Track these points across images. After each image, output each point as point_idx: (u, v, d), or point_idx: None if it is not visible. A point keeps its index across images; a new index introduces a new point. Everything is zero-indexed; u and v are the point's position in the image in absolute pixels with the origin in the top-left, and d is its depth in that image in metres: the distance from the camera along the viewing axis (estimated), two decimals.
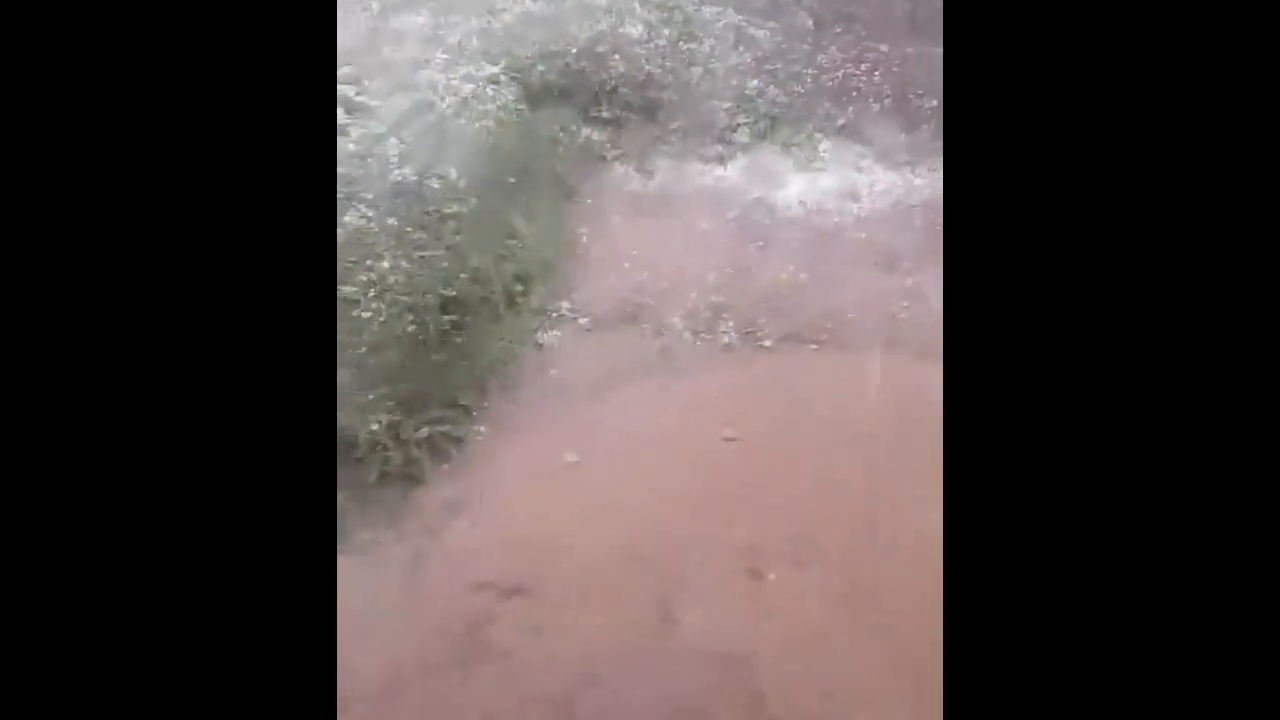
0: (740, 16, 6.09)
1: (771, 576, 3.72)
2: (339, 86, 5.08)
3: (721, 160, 5.52)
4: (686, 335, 4.72)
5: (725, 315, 4.78)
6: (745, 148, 5.56)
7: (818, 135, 5.55)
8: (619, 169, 5.46)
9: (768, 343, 4.69)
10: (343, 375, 3.85)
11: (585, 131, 5.48)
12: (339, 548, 3.57)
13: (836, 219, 5.22)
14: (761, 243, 5.13)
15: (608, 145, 5.48)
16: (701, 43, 5.87)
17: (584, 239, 5.12)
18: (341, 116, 4.92)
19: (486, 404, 4.29)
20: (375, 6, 5.72)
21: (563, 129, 5.44)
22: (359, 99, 5.04)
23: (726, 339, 4.70)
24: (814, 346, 4.63)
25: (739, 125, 5.59)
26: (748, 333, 4.72)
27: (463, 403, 4.22)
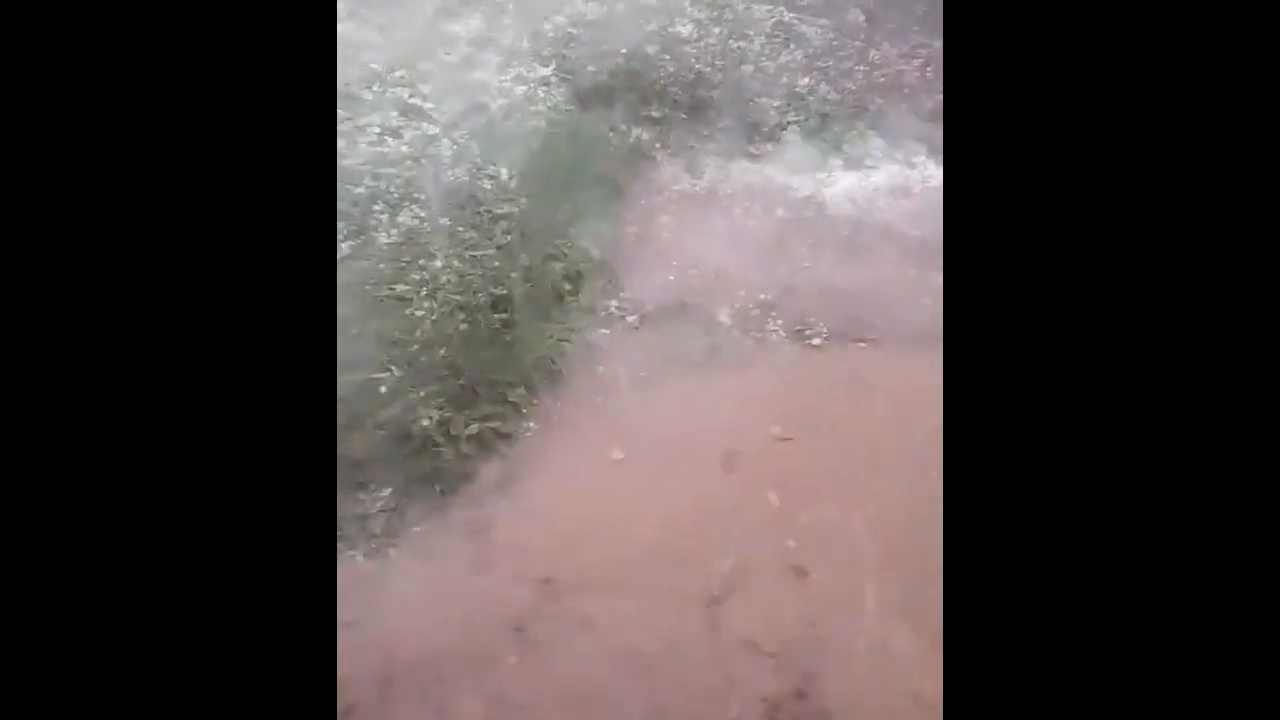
0: (791, 14, 6.07)
1: (817, 575, 3.71)
2: (394, 90, 5.19)
3: (771, 158, 5.50)
4: (735, 333, 4.72)
5: (774, 313, 4.77)
6: (795, 145, 5.53)
7: (869, 132, 5.51)
8: (668, 167, 5.48)
9: (817, 340, 4.67)
10: (395, 372, 3.93)
11: (635, 131, 5.51)
12: (391, 543, 3.65)
13: (888, 216, 5.17)
14: (811, 240, 5.11)
15: (657, 144, 5.51)
16: (752, 41, 5.86)
17: (633, 237, 5.15)
18: (395, 119, 5.03)
19: (535, 400, 4.34)
20: (429, 11, 5.82)
21: (612, 128, 5.48)
22: (413, 101, 5.14)
23: (775, 336, 4.69)
24: (864, 344, 4.60)
25: (789, 123, 5.57)
26: (797, 330, 4.71)
27: (512, 399, 4.28)
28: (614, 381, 4.49)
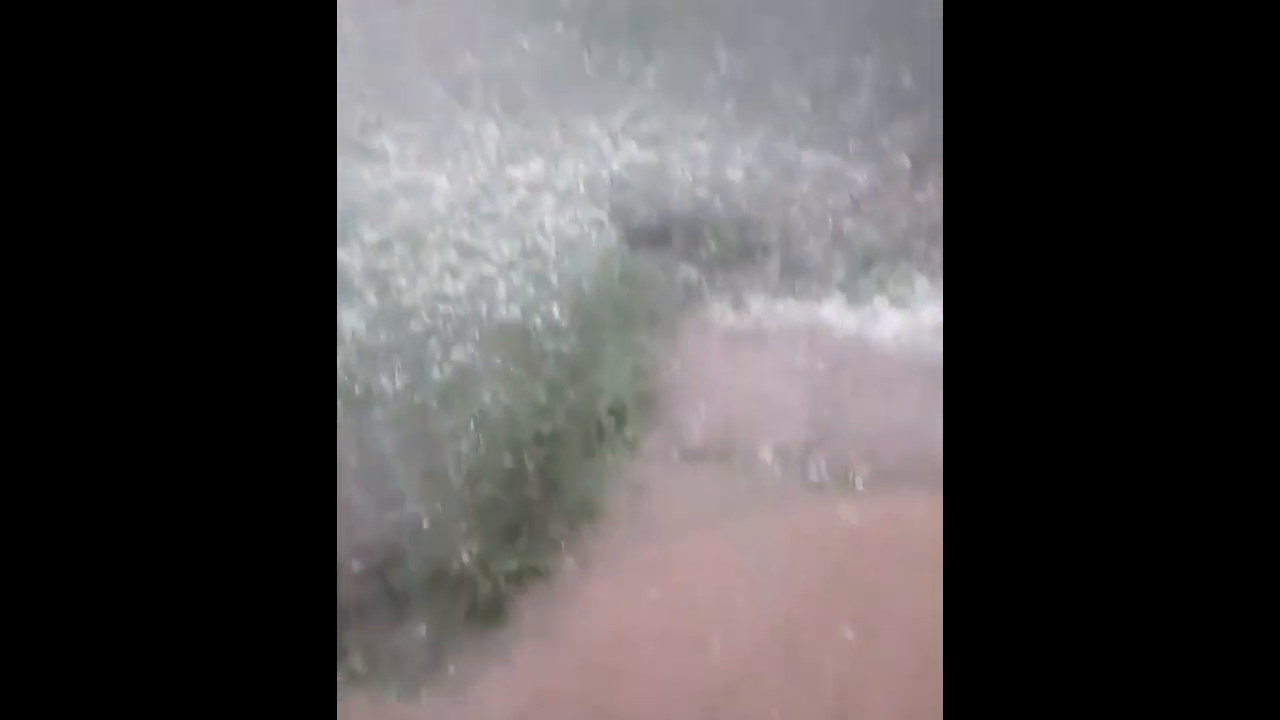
0: (838, 158, 6.29)
1: None
2: (456, 231, 5.49)
3: (817, 297, 5.62)
4: (777, 472, 4.73)
5: (817, 453, 4.78)
6: (841, 285, 5.65)
7: (915, 273, 5.60)
8: (716, 306, 5.63)
9: (860, 484, 4.65)
10: (438, 507, 4.03)
11: (684, 270, 5.70)
12: (424, 680, 3.67)
13: (932, 358, 5.19)
14: (856, 379, 5.14)
15: (705, 283, 5.67)
16: (799, 184, 6.07)
17: (679, 373, 5.25)
18: (455, 258, 5.30)
19: (575, 538, 4.38)
20: (493, 156, 6.19)
21: (663, 268, 5.67)
22: (471, 241, 5.42)
23: (818, 478, 4.68)
24: (908, 489, 4.56)
25: (835, 263, 5.70)
26: (840, 473, 4.70)
27: (552, 536, 4.33)
28: (654, 520, 4.52)
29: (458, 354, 4.72)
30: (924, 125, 6.19)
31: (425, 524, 3.89)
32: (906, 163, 6.20)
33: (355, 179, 5.81)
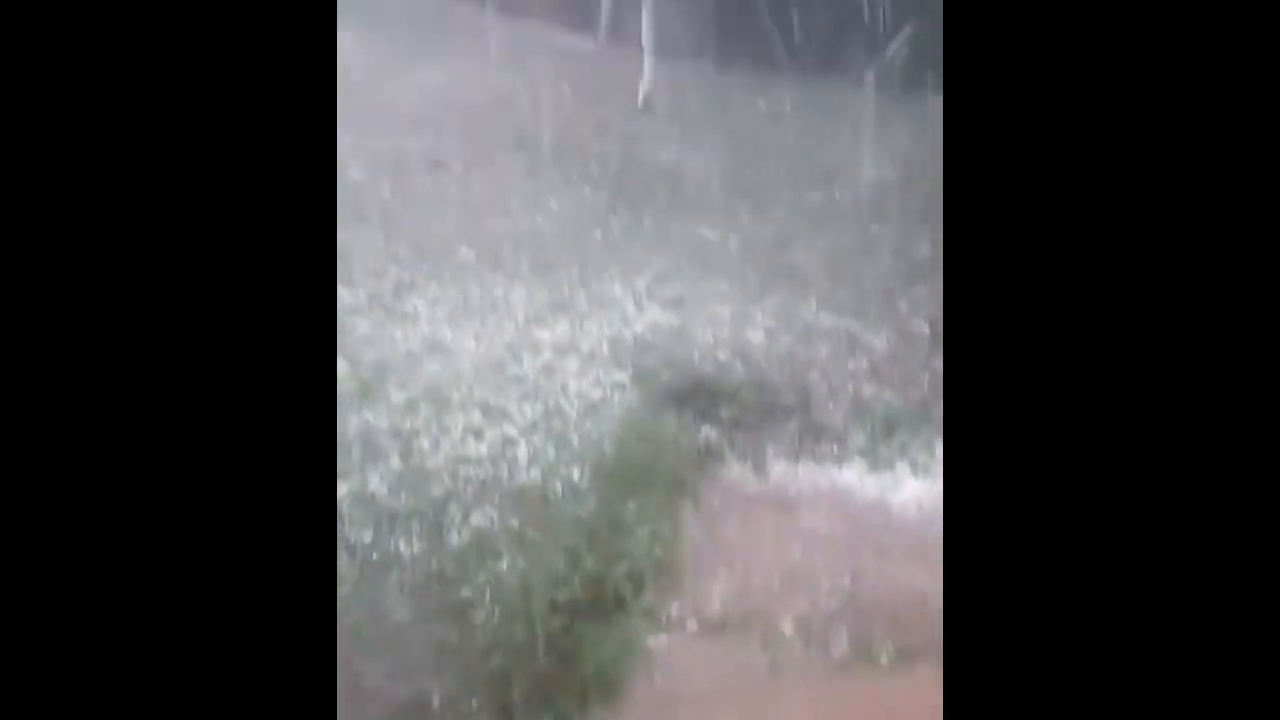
0: (858, 323, 6.41)
1: None
2: (480, 391, 5.60)
3: (837, 462, 5.61)
4: (797, 645, 4.61)
5: (839, 625, 4.67)
6: (861, 450, 5.65)
7: (935, 440, 5.59)
8: (736, 468, 5.63)
9: (884, 659, 4.51)
10: (450, 680, 3.96)
11: (704, 432, 5.74)
12: None
13: None
14: (878, 548, 5.07)
15: (725, 446, 5.70)
16: (819, 349, 6.18)
17: (698, 539, 5.21)
18: (479, 419, 5.39)
19: (589, 712, 4.26)
20: (521, 318, 6.37)
21: (683, 430, 5.72)
22: (496, 403, 5.52)
23: (839, 652, 4.56)
24: (931, 667, 4.41)
25: (854, 428, 5.73)
26: (862, 647, 4.57)
27: (564, 710, 4.21)
28: (671, 694, 4.39)
29: (477, 518, 4.74)
30: (942, 292, 6.33)
31: (435, 702, 3.82)
32: (925, 329, 6.31)
33: (387, 339, 6.00)
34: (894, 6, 10.01)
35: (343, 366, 5.72)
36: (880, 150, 8.98)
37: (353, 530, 4.60)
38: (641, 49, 10.42)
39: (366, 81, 10.76)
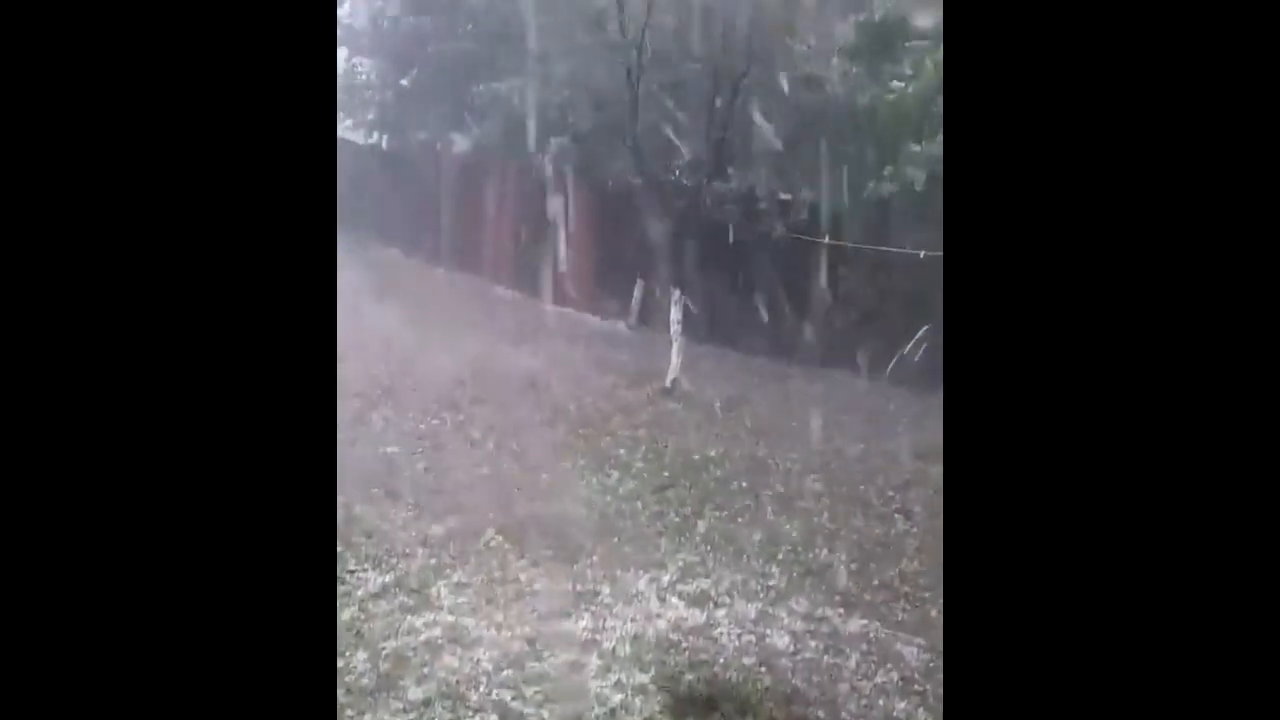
0: (886, 630, 6.28)
1: None
2: (498, 690, 5.43)
3: None
4: None
5: None
6: None
7: None
8: None
9: None
10: None
11: None
12: None
13: None
14: None
15: None
16: (848, 658, 6.01)
17: None
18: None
19: None
20: (544, 608, 6.30)
21: None
22: (514, 706, 5.34)
23: None
24: None
25: None
26: None
27: None
28: None
29: None
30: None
31: None
32: None
33: (408, 628, 5.92)
34: (914, 306, 10.65)
35: (361, 656, 5.61)
36: (901, 443, 9.21)
37: None
38: (670, 336, 11.04)
39: (410, 356, 11.38)
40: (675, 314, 11.05)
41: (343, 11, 18.85)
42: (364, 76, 18.60)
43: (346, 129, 19.74)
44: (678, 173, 11.50)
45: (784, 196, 12.28)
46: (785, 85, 11.10)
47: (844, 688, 5.82)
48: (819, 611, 6.46)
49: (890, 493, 8.35)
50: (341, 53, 19.00)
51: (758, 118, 11.38)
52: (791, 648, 6.07)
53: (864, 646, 6.14)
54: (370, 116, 18.69)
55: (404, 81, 17.73)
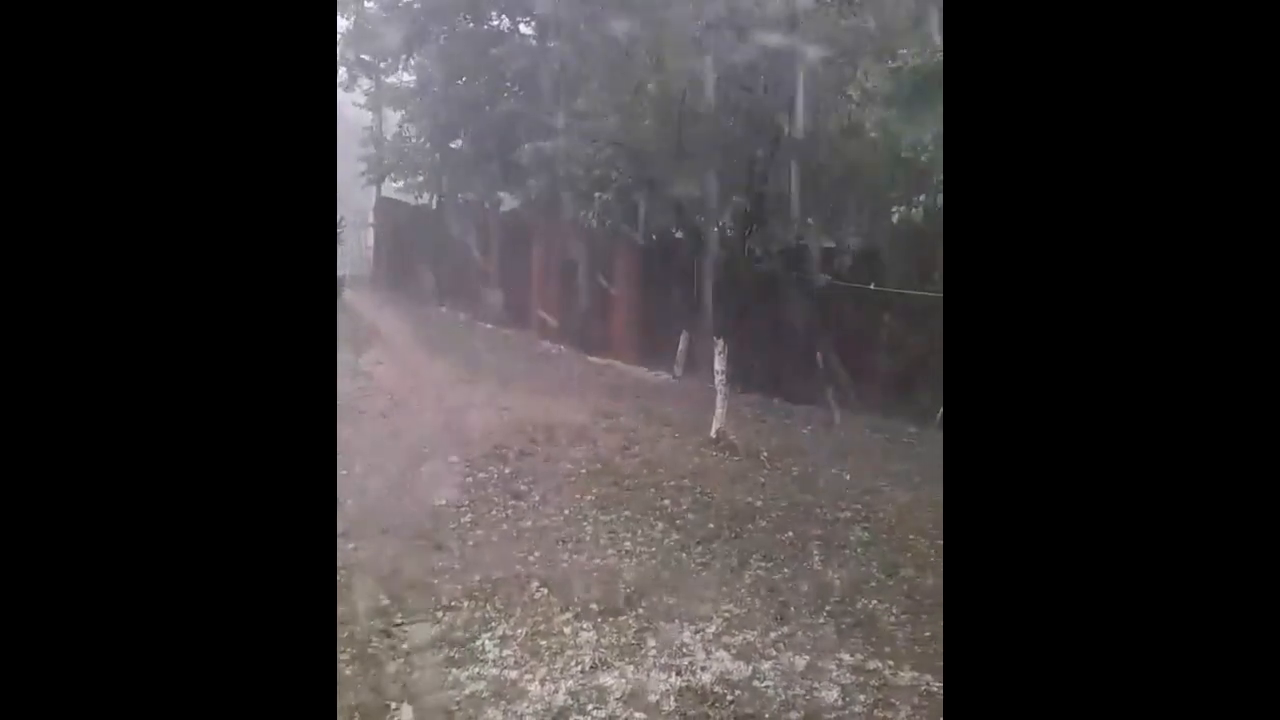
0: (939, 682, 6.11)
1: None
2: None
3: None
4: None
5: None
6: None
7: None
8: None
9: None
10: None
11: None
12: None
13: None
14: None
15: None
16: (898, 711, 5.86)
17: None
18: None
19: None
20: (588, 661, 6.26)
21: None
22: None
23: None
24: None
25: None
26: None
27: None
28: None
29: None
30: None
31: None
32: None
33: (452, 681, 5.93)
34: None
35: (407, 711, 5.63)
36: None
37: None
38: (714, 385, 11.03)
39: (458, 410, 11.54)
40: (719, 364, 11.06)
41: (392, 79, 19.57)
42: (414, 140, 19.19)
43: (397, 190, 20.36)
44: (720, 225, 11.60)
45: (827, 244, 12.30)
46: (826, 134, 11.19)
47: None
48: (869, 664, 6.32)
49: (941, 542, 8.17)
50: (392, 118, 19.68)
51: (798, 168, 11.47)
52: (840, 701, 5.93)
53: (915, 699, 5.98)
54: (420, 178, 19.23)
55: (452, 144, 18.24)
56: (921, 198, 9.10)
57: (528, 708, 5.74)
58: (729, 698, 5.94)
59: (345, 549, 7.33)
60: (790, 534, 8.25)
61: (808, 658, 6.37)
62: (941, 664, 6.32)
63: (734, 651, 6.42)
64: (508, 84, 16.68)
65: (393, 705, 5.65)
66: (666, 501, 8.89)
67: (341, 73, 17.92)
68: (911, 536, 8.30)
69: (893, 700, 5.99)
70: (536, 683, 5.99)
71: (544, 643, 6.42)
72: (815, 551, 7.91)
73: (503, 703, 5.78)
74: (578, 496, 8.95)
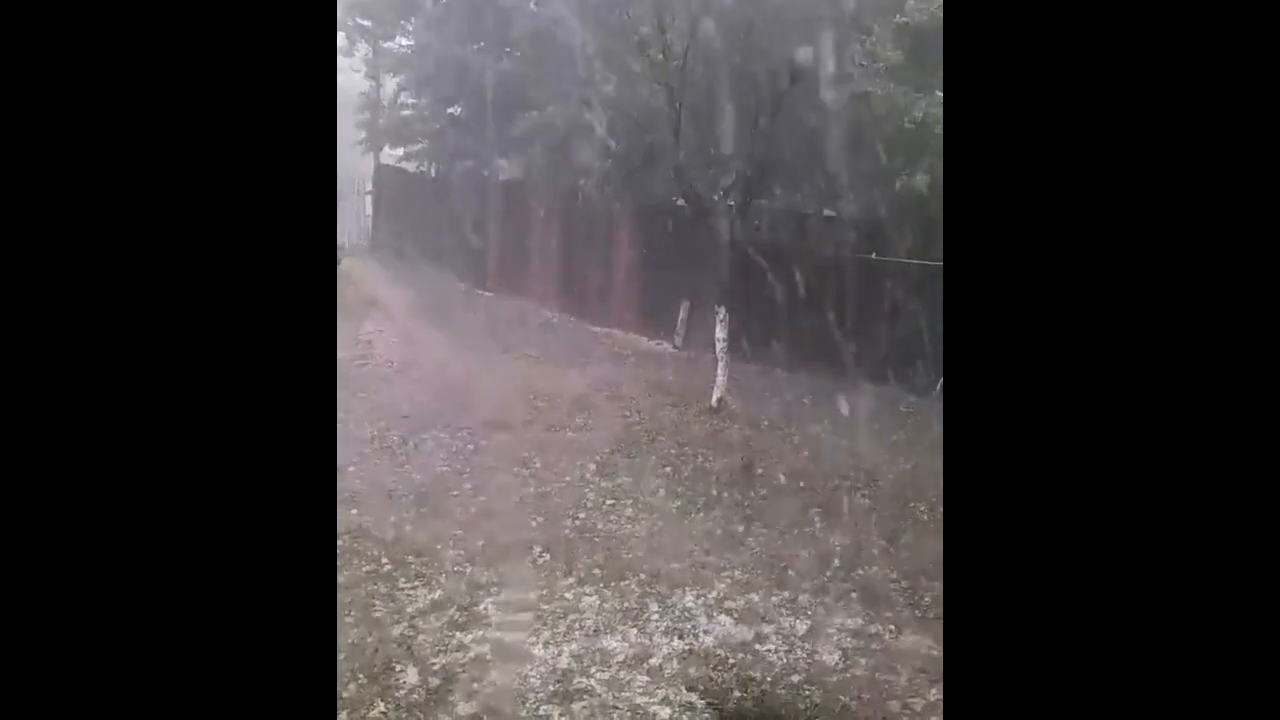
0: (938, 647, 6.16)
1: None
2: (544, 706, 5.44)
3: None
4: None
5: None
6: None
7: None
8: None
9: None
10: None
11: None
12: None
13: None
14: None
15: None
16: (899, 675, 5.90)
17: None
18: None
19: None
20: (590, 625, 6.30)
21: None
22: None
23: None
24: None
25: None
26: None
27: None
28: None
29: None
30: None
31: None
32: None
33: (456, 644, 5.97)
34: None
35: (411, 672, 5.68)
36: None
37: None
38: (715, 354, 11.02)
39: (460, 378, 11.53)
40: (720, 333, 11.05)
41: (390, 45, 19.35)
42: (413, 108, 19.02)
43: (397, 159, 20.20)
44: (722, 193, 11.52)
45: (829, 213, 12.23)
46: (829, 101, 11.09)
47: (894, 705, 5.72)
48: (870, 628, 6.37)
49: (940, 510, 8.21)
50: (390, 85, 19.48)
51: (801, 134, 11.37)
52: (841, 664, 5.98)
53: (915, 663, 6.03)
54: (420, 146, 19.08)
55: (451, 110, 18.08)
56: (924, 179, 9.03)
57: (532, 670, 5.79)
58: (731, 661, 5.99)
59: (348, 514, 7.36)
60: (791, 501, 8.28)
61: (809, 622, 6.41)
62: (941, 629, 6.38)
63: (736, 616, 6.47)
64: (507, 50, 16.51)
65: (396, 668, 5.70)
66: (668, 469, 8.91)
67: (340, 38, 17.73)
68: (912, 504, 8.32)
69: (893, 664, 6.04)
70: (540, 645, 6.04)
71: (547, 607, 6.46)
72: (816, 518, 7.94)
73: (507, 665, 5.83)
74: (579, 464, 8.97)
